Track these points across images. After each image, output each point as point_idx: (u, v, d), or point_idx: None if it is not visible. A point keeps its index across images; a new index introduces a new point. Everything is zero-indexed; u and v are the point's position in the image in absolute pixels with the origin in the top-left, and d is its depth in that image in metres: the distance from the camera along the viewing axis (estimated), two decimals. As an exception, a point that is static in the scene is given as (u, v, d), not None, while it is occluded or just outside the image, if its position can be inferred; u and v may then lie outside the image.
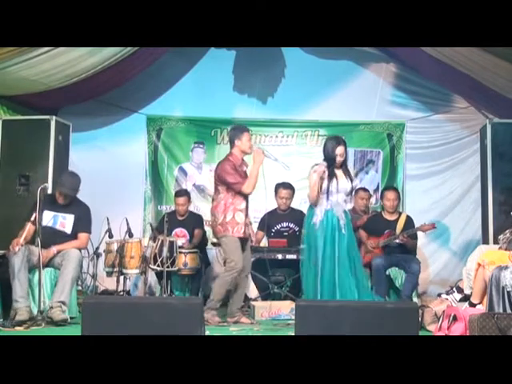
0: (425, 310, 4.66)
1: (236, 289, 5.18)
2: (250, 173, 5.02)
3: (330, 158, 4.82)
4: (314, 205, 4.83)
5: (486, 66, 5.44)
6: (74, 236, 5.11)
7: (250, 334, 4.53)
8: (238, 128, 5.23)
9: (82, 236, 5.13)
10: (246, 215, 5.08)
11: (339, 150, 4.80)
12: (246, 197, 5.05)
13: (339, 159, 4.80)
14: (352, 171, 5.18)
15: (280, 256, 5.76)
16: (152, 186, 7.16)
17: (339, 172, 4.83)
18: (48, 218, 4.99)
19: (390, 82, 7.17)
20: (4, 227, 5.47)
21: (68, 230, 5.10)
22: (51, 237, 4.92)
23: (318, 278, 4.64)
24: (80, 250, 5.14)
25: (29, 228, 5.05)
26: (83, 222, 5.14)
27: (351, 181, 4.87)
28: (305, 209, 6.66)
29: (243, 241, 5.08)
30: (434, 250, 6.96)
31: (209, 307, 4.93)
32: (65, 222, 5.09)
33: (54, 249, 4.91)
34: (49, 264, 4.94)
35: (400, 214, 6.16)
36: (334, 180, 4.77)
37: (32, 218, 4.80)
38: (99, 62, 5.58)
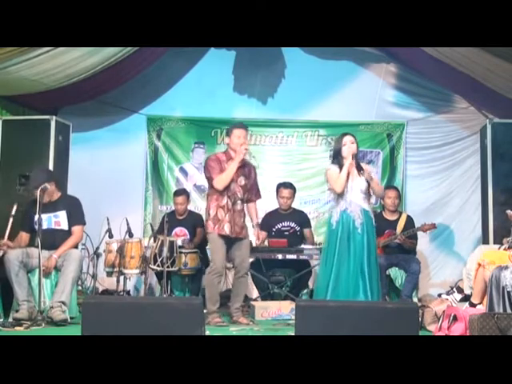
0: (425, 310, 4.66)
1: (234, 289, 5.20)
2: (226, 169, 4.96)
3: (338, 156, 4.78)
4: (340, 196, 4.75)
5: (486, 65, 5.44)
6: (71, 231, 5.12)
7: (250, 333, 4.53)
8: (232, 125, 5.20)
9: (76, 229, 5.12)
10: (231, 212, 4.97)
11: (347, 147, 4.75)
12: (227, 194, 4.96)
13: (352, 157, 4.70)
14: (368, 166, 5.03)
15: (280, 256, 5.77)
16: (152, 187, 7.16)
17: (353, 170, 4.73)
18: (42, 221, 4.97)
19: (390, 82, 7.17)
20: (4, 227, 5.46)
21: (64, 226, 5.09)
22: (50, 237, 4.92)
23: (330, 278, 4.63)
24: (77, 245, 5.16)
25: (21, 235, 5.07)
26: (75, 215, 5.12)
27: (365, 178, 4.75)
28: (305, 209, 6.73)
29: (233, 240, 5.02)
30: (433, 250, 6.96)
31: (207, 312, 4.90)
32: (59, 220, 5.08)
33: (54, 256, 4.90)
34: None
35: (400, 213, 6.17)
36: (348, 179, 4.71)
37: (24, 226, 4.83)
38: (99, 62, 5.58)
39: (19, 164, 5.77)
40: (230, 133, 5.07)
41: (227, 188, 4.94)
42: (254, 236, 5.25)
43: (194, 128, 7.21)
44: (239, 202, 5.02)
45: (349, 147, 4.73)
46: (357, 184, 4.73)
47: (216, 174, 4.95)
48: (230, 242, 5.03)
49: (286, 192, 6.24)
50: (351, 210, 4.69)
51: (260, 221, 6.38)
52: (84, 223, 5.21)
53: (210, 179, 5.03)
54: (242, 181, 5.04)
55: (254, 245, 5.68)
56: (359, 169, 4.76)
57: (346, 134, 4.84)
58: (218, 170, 4.97)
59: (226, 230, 4.94)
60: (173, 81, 7.18)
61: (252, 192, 5.17)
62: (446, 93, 7.00)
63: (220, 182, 4.93)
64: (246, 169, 5.09)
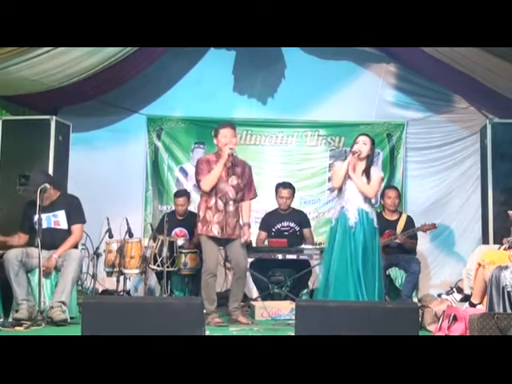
0: (425, 310, 4.66)
1: (232, 289, 5.21)
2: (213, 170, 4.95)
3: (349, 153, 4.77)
4: (337, 192, 4.77)
5: (487, 66, 5.44)
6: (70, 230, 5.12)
7: (250, 334, 4.53)
8: (219, 125, 5.15)
9: (75, 228, 5.12)
10: (223, 213, 4.95)
11: (356, 146, 4.74)
12: (216, 194, 4.96)
13: (353, 154, 4.69)
14: (376, 170, 4.94)
15: (280, 256, 5.76)
16: (152, 187, 7.16)
17: (357, 169, 4.72)
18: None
19: (390, 82, 7.16)
20: (4, 227, 5.47)
21: (64, 225, 5.10)
22: (50, 237, 4.92)
23: (327, 276, 4.62)
24: (77, 244, 5.19)
25: (19, 236, 5.08)
26: (74, 214, 5.13)
27: (368, 179, 4.71)
28: (305, 209, 6.74)
29: (225, 241, 5.00)
30: (433, 250, 6.96)
31: (206, 312, 4.89)
32: (58, 219, 5.09)
33: (55, 256, 4.90)
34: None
35: (400, 214, 6.16)
36: (349, 177, 4.70)
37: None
38: (99, 62, 5.57)
39: (19, 164, 5.76)
40: (216, 133, 5.03)
41: (217, 189, 4.94)
42: (242, 234, 5.12)
43: (194, 128, 7.21)
44: (231, 202, 4.99)
45: (357, 146, 4.72)
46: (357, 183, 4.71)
47: (204, 175, 4.96)
48: (223, 242, 5.03)
49: (284, 192, 6.24)
50: (347, 209, 4.69)
51: (259, 221, 6.42)
52: (83, 222, 5.20)
53: (198, 181, 5.05)
54: (233, 180, 5.01)
55: (254, 245, 5.68)
56: (367, 172, 4.73)
57: (362, 134, 4.87)
58: (207, 171, 4.96)
59: (214, 231, 4.95)
60: (173, 81, 7.18)
61: (245, 191, 5.12)
62: (446, 93, 7.00)
63: (206, 183, 4.94)
64: (238, 168, 5.06)
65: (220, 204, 4.95)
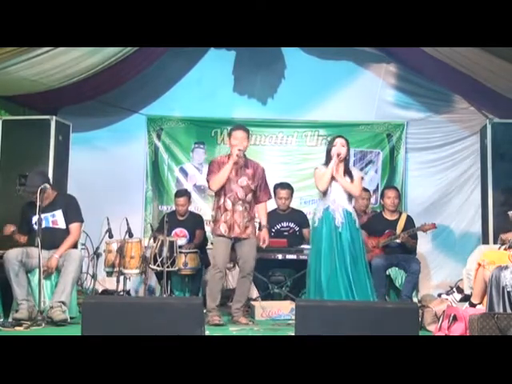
0: (425, 310, 4.66)
1: (236, 289, 5.23)
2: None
3: (328, 156, 4.83)
4: (323, 194, 4.84)
5: (487, 66, 5.44)
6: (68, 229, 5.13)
7: (250, 333, 4.53)
8: (232, 127, 5.24)
9: (73, 227, 5.11)
10: (231, 212, 4.98)
11: (336, 148, 4.80)
12: (225, 194, 5.01)
13: (337, 157, 4.77)
14: (356, 170, 5.10)
15: (280, 256, 5.77)
16: (153, 187, 7.16)
17: (339, 170, 4.80)
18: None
19: (390, 82, 7.17)
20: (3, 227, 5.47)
21: (62, 225, 5.10)
22: (49, 237, 4.90)
23: (317, 275, 4.65)
24: (77, 243, 5.22)
25: (18, 237, 5.08)
26: (71, 213, 5.12)
27: (351, 179, 4.82)
28: (305, 209, 6.74)
29: (236, 240, 5.02)
30: (433, 250, 6.96)
31: (207, 309, 4.90)
32: (56, 219, 5.08)
33: (56, 256, 4.90)
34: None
35: (400, 213, 6.16)
36: (333, 178, 4.77)
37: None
38: (99, 62, 5.58)
39: (19, 164, 5.77)
40: (229, 135, 5.14)
41: (226, 189, 4.99)
42: (262, 238, 5.14)
43: (194, 128, 7.22)
44: (240, 202, 5.01)
45: (337, 148, 4.80)
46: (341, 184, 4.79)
47: (213, 176, 5.04)
48: (234, 241, 5.04)
49: (283, 193, 6.24)
50: (333, 209, 4.75)
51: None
52: (81, 220, 5.20)
53: (208, 182, 5.15)
54: (243, 182, 5.03)
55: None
56: (348, 172, 4.82)
57: (338, 137, 4.96)
58: (216, 172, 5.03)
59: (222, 229, 4.99)
60: (173, 81, 7.19)
61: (259, 193, 5.14)
62: (446, 93, 7.01)
63: (213, 183, 5.03)
64: (248, 170, 5.08)
65: (228, 204, 5.00)
